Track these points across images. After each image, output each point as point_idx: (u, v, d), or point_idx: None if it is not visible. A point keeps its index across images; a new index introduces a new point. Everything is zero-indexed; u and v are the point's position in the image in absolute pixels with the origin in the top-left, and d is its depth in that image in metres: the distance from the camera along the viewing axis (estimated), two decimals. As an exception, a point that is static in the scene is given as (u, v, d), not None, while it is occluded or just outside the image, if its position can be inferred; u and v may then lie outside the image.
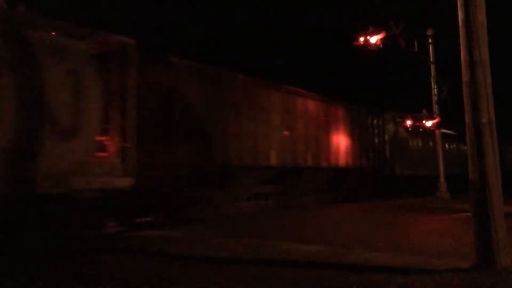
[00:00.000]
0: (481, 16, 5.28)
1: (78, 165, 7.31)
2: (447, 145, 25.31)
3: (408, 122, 19.78)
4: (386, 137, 20.06)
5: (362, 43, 15.45)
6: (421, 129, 21.09)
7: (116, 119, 7.89)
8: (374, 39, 15.52)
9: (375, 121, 19.31)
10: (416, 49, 17.48)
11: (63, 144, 7.17)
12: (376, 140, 19.35)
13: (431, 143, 22.70)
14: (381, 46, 15.69)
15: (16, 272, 5.37)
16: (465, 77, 5.30)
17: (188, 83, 10.84)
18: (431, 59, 18.31)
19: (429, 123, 18.18)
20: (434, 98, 18.31)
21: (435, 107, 18.30)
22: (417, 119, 19.03)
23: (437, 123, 18.09)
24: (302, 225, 9.91)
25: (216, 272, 5.29)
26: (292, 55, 49.48)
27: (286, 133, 14.16)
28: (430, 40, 18.38)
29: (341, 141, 16.93)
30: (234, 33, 45.93)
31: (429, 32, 18.39)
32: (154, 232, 8.53)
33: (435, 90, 18.27)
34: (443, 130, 22.07)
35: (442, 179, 17.90)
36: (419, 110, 19.49)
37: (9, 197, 6.51)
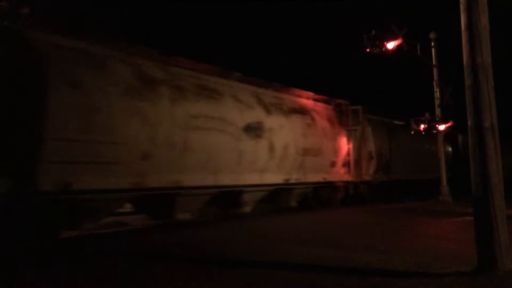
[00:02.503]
0: (484, 20, 5.28)
1: None
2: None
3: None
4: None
5: (369, 49, 15.45)
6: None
7: None
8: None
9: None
10: (419, 52, 17.48)
11: None
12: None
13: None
14: (388, 50, 15.66)
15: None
16: (468, 80, 5.29)
17: None
18: (434, 63, 18.29)
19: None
20: (437, 102, 18.28)
21: (438, 111, 18.26)
22: (420, 122, 18.89)
23: (433, 126, 18.02)
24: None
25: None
26: (293, 57, 49.61)
27: None
28: (432, 44, 18.39)
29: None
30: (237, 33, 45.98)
31: (432, 35, 18.40)
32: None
33: (438, 93, 18.24)
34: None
35: (444, 182, 17.86)
36: (422, 113, 19.41)
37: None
